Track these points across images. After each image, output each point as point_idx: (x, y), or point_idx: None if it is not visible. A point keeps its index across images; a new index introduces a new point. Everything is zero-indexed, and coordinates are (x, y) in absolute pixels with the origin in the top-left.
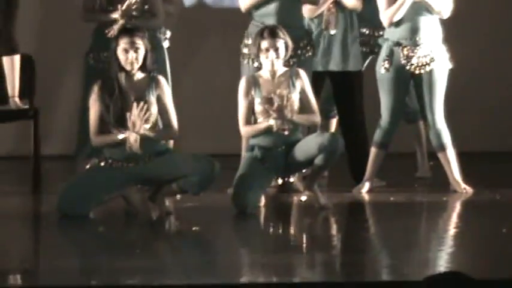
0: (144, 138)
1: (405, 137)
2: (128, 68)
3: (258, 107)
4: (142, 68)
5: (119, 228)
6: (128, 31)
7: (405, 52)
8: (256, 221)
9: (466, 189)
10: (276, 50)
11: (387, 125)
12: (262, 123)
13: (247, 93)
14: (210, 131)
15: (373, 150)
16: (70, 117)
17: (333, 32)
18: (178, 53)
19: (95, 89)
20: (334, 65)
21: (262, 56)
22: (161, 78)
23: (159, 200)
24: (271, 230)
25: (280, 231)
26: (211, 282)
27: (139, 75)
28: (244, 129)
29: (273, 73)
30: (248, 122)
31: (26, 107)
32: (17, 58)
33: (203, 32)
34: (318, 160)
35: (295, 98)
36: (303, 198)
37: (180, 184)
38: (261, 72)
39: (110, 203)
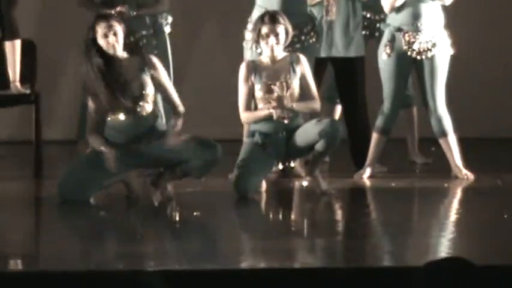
0: (144, 121)
1: (407, 122)
2: (111, 51)
3: (259, 93)
4: (130, 51)
5: (120, 213)
6: (103, 17)
7: (406, 38)
8: (257, 206)
9: (468, 175)
10: (276, 35)
11: (389, 111)
12: (263, 110)
13: (247, 79)
14: (211, 116)
15: (374, 136)
16: (71, 102)
17: (332, 18)
18: (179, 38)
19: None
20: (336, 51)
21: (262, 42)
22: (153, 58)
23: (161, 185)
24: (272, 215)
25: (281, 216)
26: (212, 268)
27: (128, 58)
28: (244, 116)
29: (273, 58)
30: (248, 108)
31: (27, 91)
32: (18, 43)
33: (204, 17)
34: (318, 146)
35: (295, 84)
36: (304, 183)
37: (182, 168)
38: (261, 58)
39: (110, 188)
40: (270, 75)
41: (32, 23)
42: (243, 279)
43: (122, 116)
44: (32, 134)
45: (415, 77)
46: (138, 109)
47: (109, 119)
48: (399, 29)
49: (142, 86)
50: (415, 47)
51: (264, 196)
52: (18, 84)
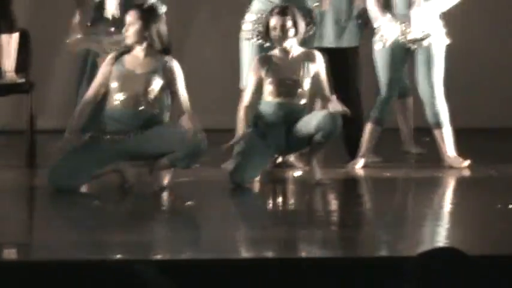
0: (142, 115)
1: (402, 113)
2: (127, 42)
3: (268, 87)
4: (152, 46)
5: (114, 202)
6: (133, 7)
7: (402, 28)
8: (251, 196)
9: (463, 162)
10: (283, 28)
11: (383, 101)
12: (243, 126)
13: (257, 72)
14: (202, 105)
15: (368, 126)
16: (66, 92)
17: (325, 8)
18: (172, 28)
19: (113, 54)
20: (327, 42)
21: (271, 34)
22: (173, 63)
23: (154, 174)
24: (265, 205)
25: (275, 206)
26: (205, 257)
27: (147, 54)
28: (241, 112)
29: (285, 53)
30: (251, 101)
31: (22, 80)
32: (15, 36)
33: (198, 7)
34: (317, 137)
35: (306, 82)
36: (298, 173)
37: (168, 159)
38: (275, 52)
39: (104, 177)
40: (282, 70)
41: (26, 12)
42: (237, 269)
43: (120, 106)
44: (25, 123)
45: (411, 67)
46: (138, 103)
47: (108, 107)
48: (393, 17)
49: (148, 83)
50: (410, 36)
51: (257, 186)
52: (12, 74)
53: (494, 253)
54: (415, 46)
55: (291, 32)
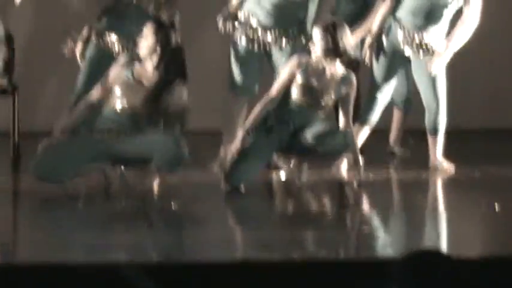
0: (137, 118)
1: (396, 122)
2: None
3: (295, 88)
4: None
5: (99, 204)
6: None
7: (401, 32)
8: (237, 198)
9: (448, 167)
10: (315, 41)
11: (373, 103)
12: (243, 128)
13: (293, 70)
14: (198, 105)
15: (355, 127)
16: (53, 94)
17: None
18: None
19: (125, 58)
20: None
21: None
22: (177, 89)
23: (139, 176)
24: (250, 207)
25: (260, 208)
26: (192, 260)
27: (155, 68)
28: (264, 100)
29: (324, 64)
30: (275, 97)
31: (5, 83)
32: None
33: (198, 7)
34: (322, 150)
35: (331, 98)
36: (282, 174)
37: (154, 163)
38: (315, 59)
39: (89, 179)
40: (314, 78)
41: (10, 14)
42: (225, 272)
43: (117, 111)
44: (10, 126)
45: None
46: (135, 112)
47: (105, 108)
48: (397, 19)
49: (148, 97)
50: (409, 42)
51: (242, 187)
52: None
53: (477, 255)
54: (413, 53)
55: (320, 48)
